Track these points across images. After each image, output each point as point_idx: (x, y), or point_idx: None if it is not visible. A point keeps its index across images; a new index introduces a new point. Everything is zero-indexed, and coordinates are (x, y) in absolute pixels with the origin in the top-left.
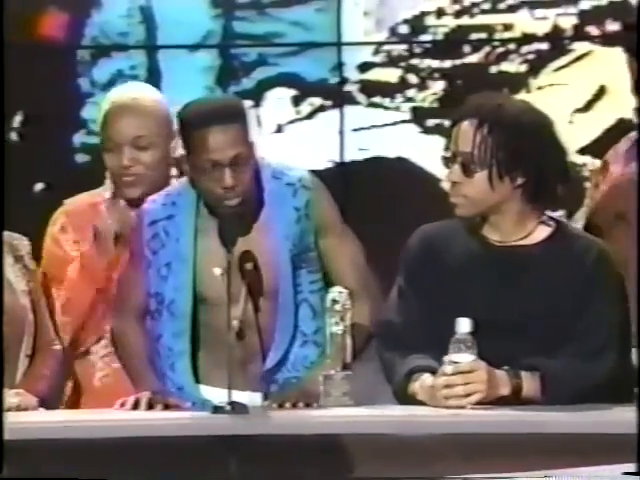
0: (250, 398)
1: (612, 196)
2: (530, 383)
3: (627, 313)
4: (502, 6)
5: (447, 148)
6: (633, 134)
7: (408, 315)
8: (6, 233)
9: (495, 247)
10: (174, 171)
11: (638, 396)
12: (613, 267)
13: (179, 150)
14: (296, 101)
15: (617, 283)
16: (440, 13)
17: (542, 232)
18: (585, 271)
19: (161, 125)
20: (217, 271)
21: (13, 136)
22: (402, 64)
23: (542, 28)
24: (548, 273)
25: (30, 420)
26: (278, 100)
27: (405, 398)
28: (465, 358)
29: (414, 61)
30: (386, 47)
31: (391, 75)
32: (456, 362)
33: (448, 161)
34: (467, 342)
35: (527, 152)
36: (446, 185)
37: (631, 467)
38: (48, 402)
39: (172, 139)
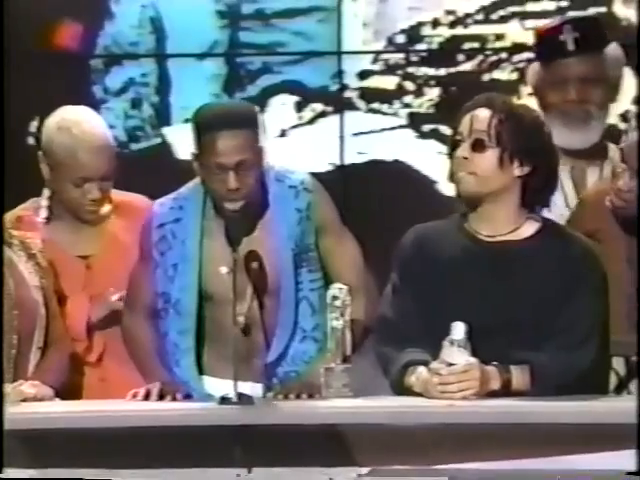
0: (251, 389)
1: (581, 215)
2: (519, 376)
3: (608, 306)
4: (494, 17)
5: (454, 134)
6: None
7: (402, 310)
8: (19, 232)
9: (484, 242)
10: None
11: (638, 387)
12: (597, 263)
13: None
14: (299, 107)
15: (600, 278)
16: (435, 24)
17: (530, 228)
18: (570, 266)
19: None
20: (223, 270)
21: (30, 140)
22: (399, 72)
23: (532, 38)
24: (535, 268)
25: (46, 410)
26: (281, 106)
27: (401, 390)
28: (459, 359)
29: (411, 69)
30: (384, 56)
31: (389, 82)
32: (451, 363)
33: (456, 144)
34: (461, 343)
35: (537, 145)
36: (454, 164)
37: (619, 454)
38: (59, 392)
39: None
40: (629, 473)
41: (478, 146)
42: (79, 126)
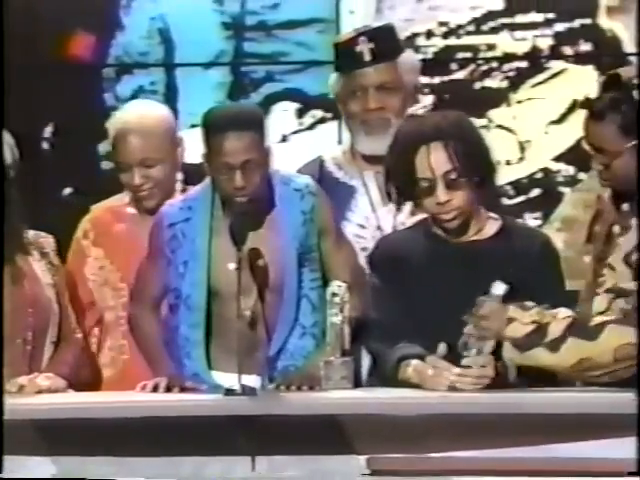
0: (253, 381)
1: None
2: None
3: (566, 295)
4: (485, 28)
5: (414, 181)
6: None
7: (384, 310)
8: (33, 232)
9: (453, 244)
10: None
11: (638, 381)
12: (555, 254)
13: (202, 151)
14: (299, 113)
15: (558, 269)
16: (429, 34)
17: (492, 227)
18: (531, 260)
19: (166, 140)
20: (231, 266)
21: (45, 145)
22: None
23: (521, 48)
24: (501, 264)
25: (60, 401)
26: (283, 113)
27: (396, 383)
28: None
29: None
30: None
31: None
32: (468, 359)
33: (424, 191)
34: (471, 342)
35: (479, 153)
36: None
37: (617, 442)
38: (72, 384)
39: (178, 147)
40: (630, 473)
41: (451, 186)
42: (134, 112)
